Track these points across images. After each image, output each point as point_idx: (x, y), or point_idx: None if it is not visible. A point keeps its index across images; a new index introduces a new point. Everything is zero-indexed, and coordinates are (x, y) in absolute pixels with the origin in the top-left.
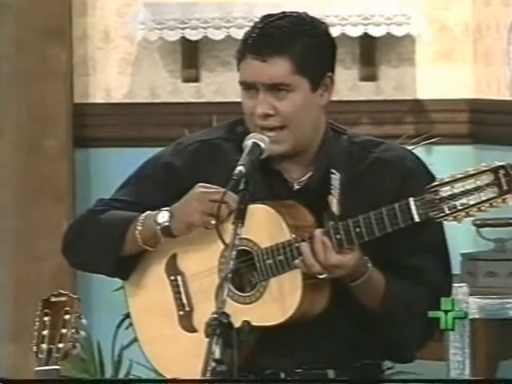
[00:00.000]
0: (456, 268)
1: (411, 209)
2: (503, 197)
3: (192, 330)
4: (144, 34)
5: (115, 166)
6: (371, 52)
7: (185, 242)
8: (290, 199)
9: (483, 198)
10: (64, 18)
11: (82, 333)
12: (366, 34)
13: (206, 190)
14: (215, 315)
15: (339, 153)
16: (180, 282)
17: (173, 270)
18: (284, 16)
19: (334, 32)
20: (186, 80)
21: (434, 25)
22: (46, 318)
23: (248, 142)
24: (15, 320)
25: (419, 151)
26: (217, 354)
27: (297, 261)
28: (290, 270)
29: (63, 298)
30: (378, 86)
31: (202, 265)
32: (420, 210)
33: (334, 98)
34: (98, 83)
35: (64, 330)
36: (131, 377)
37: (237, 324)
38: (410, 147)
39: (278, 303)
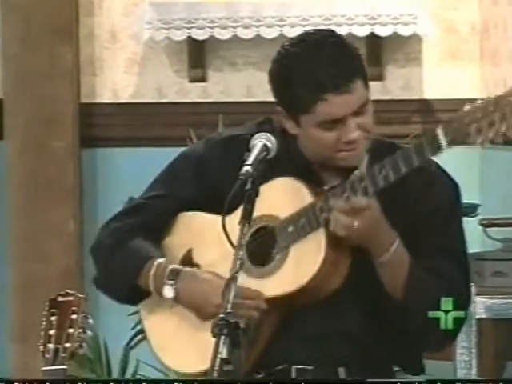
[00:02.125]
0: None
1: (438, 137)
2: None
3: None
4: (150, 33)
5: (122, 166)
6: (378, 52)
7: (200, 236)
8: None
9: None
10: (71, 17)
11: (89, 332)
12: (372, 33)
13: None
14: (222, 315)
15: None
16: None
17: (189, 264)
18: (322, 42)
19: (341, 32)
20: (193, 80)
21: (440, 24)
22: (52, 318)
23: (255, 142)
24: (22, 319)
25: None
26: (224, 354)
27: (324, 215)
28: (312, 231)
29: (70, 298)
30: (385, 85)
31: (218, 254)
32: (448, 136)
33: None
34: (104, 83)
35: (71, 330)
36: (138, 376)
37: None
38: None
39: (300, 266)
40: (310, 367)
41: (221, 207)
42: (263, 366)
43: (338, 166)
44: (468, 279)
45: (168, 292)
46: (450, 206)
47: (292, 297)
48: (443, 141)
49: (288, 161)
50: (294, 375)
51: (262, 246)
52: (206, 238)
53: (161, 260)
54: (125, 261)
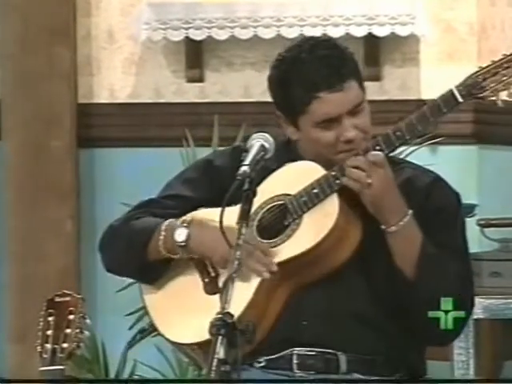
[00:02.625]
0: None
1: (454, 92)
2: None
3: (217, 290)
4: (148, 34)
5: (119, 166)
6: (375, 52)
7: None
8: None
9: None
10: (68, 18)
11: (87, 333)
12: (370, 33)
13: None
14: (220, 315)
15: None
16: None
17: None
18: (315, 46)
19: (339, 32)
20: (190, 80)
21: (438, 24)
22: (50, 318)
23: (253, 142)
24: (20, 320)
25: (423, 151)
26: (221, 354)
27: (338, 181)
28: (326, 198)
29: (67, 298)
30: (383, 85)
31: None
32: (463, 91)
33: None
34: (102, 83)
35: (68, 330)
36: (135, 377)
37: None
38: (414, 147)
39: (314, 228)
40: (311, 353)
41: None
42: (266, 350)
43: None
44: (472, 284)
45: (180, 235)
46: (455, 208)
47: (303, 262)
48: (458, 95)
49: None
50: (295, 361)
51: (275, 222)
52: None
53: (170, 220)
54: (132, 236)
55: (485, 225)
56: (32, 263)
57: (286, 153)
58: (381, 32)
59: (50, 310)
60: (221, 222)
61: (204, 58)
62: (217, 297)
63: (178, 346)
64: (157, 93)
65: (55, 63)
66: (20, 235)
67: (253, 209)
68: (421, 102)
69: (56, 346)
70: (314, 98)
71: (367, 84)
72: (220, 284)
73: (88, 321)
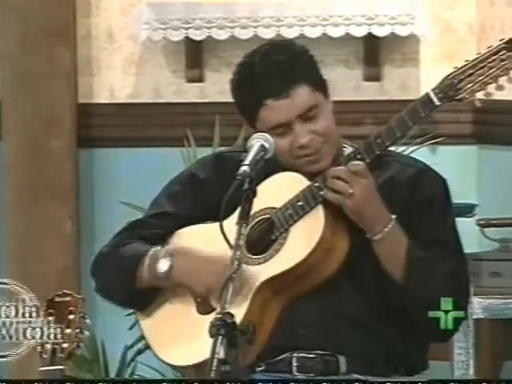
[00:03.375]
0: None
1: (430, 95)
2: None
3: (210, 309)
4: (148, 33)
5: (119, 166)
6: (375, 52)
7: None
8: None
9: (498, 67)
10: (68, 18)
11: (87, 333)
12: (370, 33)
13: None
14: (219, 315)
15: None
16: None
17: None
18: (268, 52)
19: (338, 32)
20: (190, 80)
21: (438, 25)
22: (50, 318)
23: (253, 142)
24: None
25: (423, 151)
26: (221, 354)
27: (321, 192)
28: (311, 210)
29: (67, 298)
30: (382, 86)
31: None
32: (439, 94)
33: (338, 98)
34: (101, 83)
35: (68, 330)
36: (135, 377)
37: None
38: (414, 147)
39: (301, 242)
40: (310, 355)
41: (216, 220)
42: (265, 357)
43: (306, 173)
44: (467, 271)
45: (163, 265)
46: (443, 200)
47: (293, 276)
48: (435, 98)
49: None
50: (294, 364)
51: (262, 236)
52: (203, 245)
53: (154, 248)
54: (120, 264)
55: (484, 225)
56: (31, 263)
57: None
58: (380, 32)
59: (50, 310)
60: (221, 221)
61: (204, 58)
62: (210, 316)
63: (176, 368)
64: (156, 93)
65: (55, 63)
66: (19, 235)
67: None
68: None
69: (56, 346)
70: (261, 106)
71: (367, 84)
72: (213, 303)
73: (88, 321)
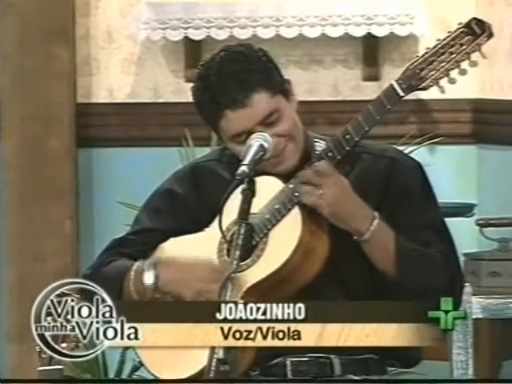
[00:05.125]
0: None
1: (394, 86)
2: (477, 41)
3: None
4: (147, 33)
5: (118, 166)
6: (374, 52)
7: (184, 256)
8: None
9: (459, 52)
10: (67, 17)
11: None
12: (369, 33)
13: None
14: None
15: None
16: None
17: None
18: (223, 60)
19: (337, 32)
20: (189, 80)
21: (437, 24)
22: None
23: (252, 142)
24: (18, 319)
25: (422, 151)
26: (220, 354)
27: (296, 194)
28: (288, 212)
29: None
30: (381, 85)
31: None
32: (403, 85)
33: (337, 97)
34: (101, 83)
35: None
36: (134, 377)
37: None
38: (413, 147)
39: (280, 246)
40: (304, 358)
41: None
42: (258, 362)
43: (274, 174)
44: (456, 251)
45: (148, 278)
46: (420, 185)
47: (276, 281)
48: (399, 89)
49: None
50: (289, 368)
51: (244, 243)
52: (188, 254)
53: (138, 263)
54: (105, 283)
55: (484, 224)
56: (30, 263)
57: (226, 154)
58: (380, 32)
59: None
60: (220, 221)
61: (203, 58)
62: None
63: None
64: (155, 92)
65: (54, 63)
66: (18, 235)
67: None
68: (420, 102)
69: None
70: (220, 116)
71: (366, 84)
72: None
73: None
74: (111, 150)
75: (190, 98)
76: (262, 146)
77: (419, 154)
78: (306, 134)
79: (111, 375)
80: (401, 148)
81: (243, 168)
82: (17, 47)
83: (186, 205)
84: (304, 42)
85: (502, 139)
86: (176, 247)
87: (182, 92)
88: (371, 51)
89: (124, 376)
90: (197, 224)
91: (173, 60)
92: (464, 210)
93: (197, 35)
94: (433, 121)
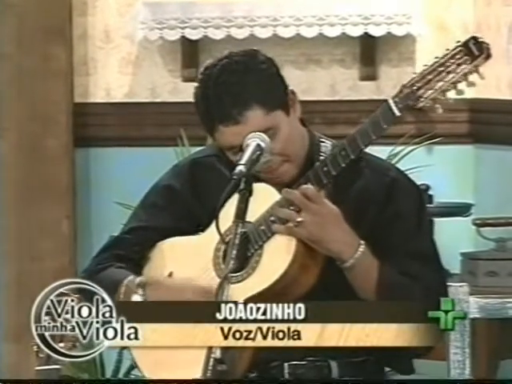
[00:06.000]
0: (456, 268)
1: (390, 106)
2: (474, 63)
3: None
4: (144, 33)
5: (115, 166)
6: (371, 52)
7: (179, 258)
8: None
9: (456, 72)
10: (64, 17)
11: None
12: (366, 33)
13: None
14: None
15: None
16: None
17: None
18: (223, 69)
19: (334, 32)
20: (186, 79)
21: (434, 24)
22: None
23: (249, 142)
24: (15, 319)
25: (420, 151)
26: (218, 354)
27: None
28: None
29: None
30: (379, 85)
31: (198, 268)
32: (399, 104)
33: (335, 97)
34: (98, 83)
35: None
36: (132, 376)
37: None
38: (410, 147)
39: (275, 260)
40: (302, 362)
41: (195, 231)
42: (256, 364)
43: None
44: (445, 283)
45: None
46: (416, 212)
47: (271, 294)
48: (395, 109)
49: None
50: (286, 371)
51: (239, 253)
52: (185, 258)
53: (129, 278)
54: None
55: (481, 224)
56: (28, 263)
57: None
58: (377, 32)
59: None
60: (217, 220)
61: (200, 58)
62: None
63: None
64: (153, 92)
65: (51, 62)
66: (16, 234)
67: (218, 236)
68: None
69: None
70: (214, 130)
71: (363, 84)
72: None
73: None
74: (108, 150)
75: (187, 98)
76: (259, 145)
77: (417, 154)
78: (312, 134)
79: (108, 375)
80: (399, 148)
81: (240, 167)
82: (14, 47)
83: (183, 201)
84: (301, 42)
85: (499, 139)
86: (172, 251)
87: (179, 92)
88: (368, 51)
89: (121, 375)
90: (194, 222)
91: (170, 60)
92: (461, 210)
93: (194, 35)
94: (430, 120)
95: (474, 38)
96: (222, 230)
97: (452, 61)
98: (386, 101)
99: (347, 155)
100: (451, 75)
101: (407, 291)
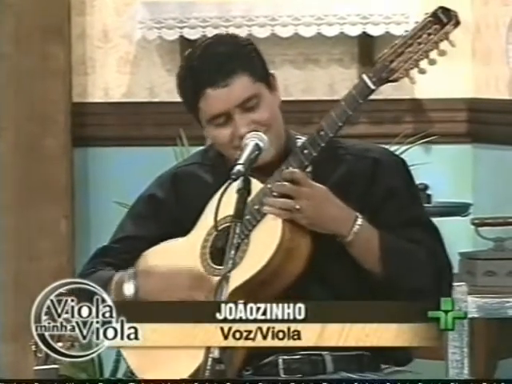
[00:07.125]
0: (455, 267)
1: (364, 80)
2: (443, 30)
3: None
4: (143, 33)
5: (114, 165)
6: (370, 51)
7: (167, 262)
8: None
9: (427, 41)
10: (63, 16)
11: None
12: (364, 33)
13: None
14: None
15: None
16: None
17: None
18: (209, 44)
19: (333, 31)
20: None
21: None
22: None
23: (247, 142)
24: (13, 319)
25: (418, 150)
26: (216, 354)
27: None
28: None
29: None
30: None
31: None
32: (373, 78)
33: (333, 97)
34: (96, 82)
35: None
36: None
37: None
38: (408, 146)
39: (262, 246)
40: (296, 356)
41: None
42: (251, 361)
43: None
44: (444, 247)
45: (128, 290)
46: (404, 183)
47: (260, 281)
48: (370, 83)
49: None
50: (281, 366)
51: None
52: (172, 260)
53: (120, 273)
54: None
55: (479, 224)
56: (26, 262)
57: (208, 157)
58: (375, 31)
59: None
60: (216, 219)
61: None
62: None
63: None
64: (151, 92)
65: (49, 62)
66: (14, 234)
67: (204, 232)
68: (415, 101)
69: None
70: (200, 95)
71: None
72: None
73: None
74: (107, 150)
75: None
76: (257, 145)
77: (415, 153)
78: (288, 132)
79: (107, 374)
80: (395, 147)
81: (239, 167)
82: (12, 46)
83: (168, 210)
84: (299, 42)
85: (497, 139)
86: (158, 256)
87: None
88: (367, 50)
89: (120, 375)
90: (180, 229)
91: (168, 59)
92: (459, 210)
93: (192, 34)
94: (428, 120)
95: (442, 7)
96: (212, 223)
97: (422, 31)
98: (360, 76)
99: (326, 134)
100: (422, 45)
101: (413, 256)
